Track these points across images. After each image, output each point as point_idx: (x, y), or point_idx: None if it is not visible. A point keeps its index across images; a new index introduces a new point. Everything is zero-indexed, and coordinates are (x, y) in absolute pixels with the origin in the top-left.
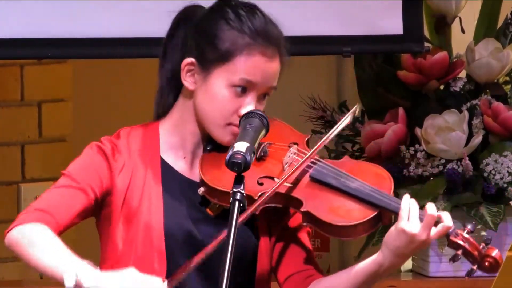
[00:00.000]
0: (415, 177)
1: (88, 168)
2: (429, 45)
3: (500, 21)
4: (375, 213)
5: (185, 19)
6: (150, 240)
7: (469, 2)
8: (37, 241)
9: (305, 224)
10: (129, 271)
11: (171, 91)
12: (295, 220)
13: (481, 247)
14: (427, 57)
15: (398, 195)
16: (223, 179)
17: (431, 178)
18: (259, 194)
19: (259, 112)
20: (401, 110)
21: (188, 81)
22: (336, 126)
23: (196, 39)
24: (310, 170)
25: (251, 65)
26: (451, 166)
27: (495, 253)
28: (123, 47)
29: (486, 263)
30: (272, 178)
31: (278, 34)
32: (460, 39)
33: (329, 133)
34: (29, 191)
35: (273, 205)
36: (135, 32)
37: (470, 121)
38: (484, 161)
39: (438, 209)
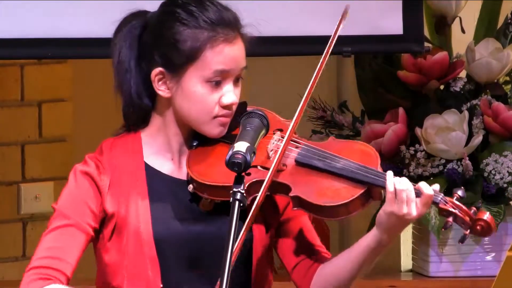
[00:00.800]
0: (415, 177)
1: (77, 200)
2: (429, 45)
3: (500, 21)
4: (363, 190)
5: (130, 30)
6: (141, 248)
7: (469, 2)
8: None
9: (295, 208)
10: None
11: (143, 100)
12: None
13: (472, 212)
14: (427, 57)
15: None
16: (211, 174)
17: (431, 178)
18: (248, 183)
19: (259, 112)
20: (401, 110)
21: (161, 89)
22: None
23: (158, 48)
24: (295, 155)
25: (219, 55)
26: (451, 166)
27: (486, 216)
28: None
29: (478, 227)
30: (255, 166)
31: (233, 16)
32: (460, 39)
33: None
34: (29, 191)
35: (267, 193)
36: None
37: (470, 121)
38: (484, 161)
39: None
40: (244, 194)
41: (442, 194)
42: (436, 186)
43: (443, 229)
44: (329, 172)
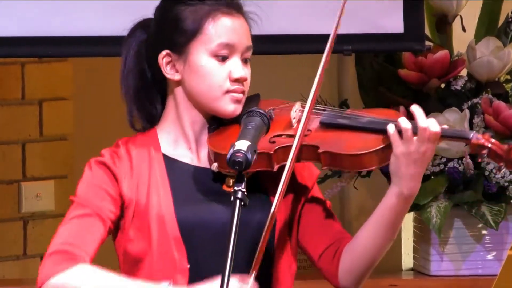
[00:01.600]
0: None
1: (94, 188)
2: (430, 43)
3: (501, 20)
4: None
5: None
6: (165, 230)
7: (470, 1)
8: (92, 282)
9: (325, 167)
10: (215, 283)
11: (155, 99)
12: (315, 193)
13: (504, 146)
14: (428, 55)
15: None
16: None
17: (432, 177)
18: (276, 148)
19: (260, 110)
20: (402, 109)
21: (170, 73)
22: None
23: (161, 32)
24: (319, 118)
25: (221, 27)
26: (452, 164)
27: None
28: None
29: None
30: (282, 135)
31: (237, 1)
32: (461, 38)
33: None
34: (29, 189)
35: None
36: None
37: (471, 120)
38: (485, 159)
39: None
40: (245, 193)
41: (474, 131)
42: (445, 126)
43: (479, 160)
44: (356, 128)
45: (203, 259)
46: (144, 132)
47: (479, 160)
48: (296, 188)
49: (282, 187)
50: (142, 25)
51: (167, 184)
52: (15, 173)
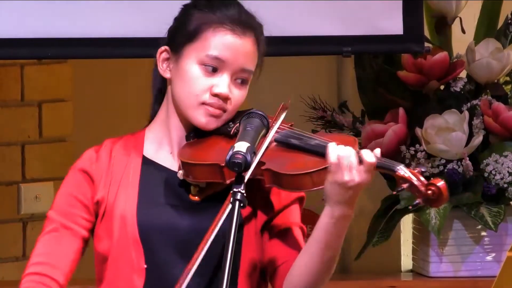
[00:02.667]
0: None
1: (68, 199)
2: (430, 45)
3: (501, 22)
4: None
5: None
6: (125, 231)
7: (469, 2)
8: None
9: (268, 185)
10: None
11: (157, 98)
12: (287, 215)
13: (426, 182)
14: (428, 57)
15: (398, 195)
16: (197, 155)
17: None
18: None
19: (260, 112)
20: (401, 110)
21: (163, 68)
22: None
23: (170, 29)
24: (276, 135)
25: (218, 41)
26: (451, 166)
27: (440, 183)
28: (123, 47)
29: (429, 192)
30: None
31: (252, 21)
32: (461, 39)
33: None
34: (29, 191)
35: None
36: (135, 32)
37: (471, 121)
38: (484, 161)
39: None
40: (245, 194)
41: (403, 165)
42: (378, 151)
43: (394, 192)
44: (303, 149)
45: (160, 261)
46: (134, 132)
47: (394, 192)
48: (267, 205)
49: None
50: None
51: (136, 185)
52: (15, 174)
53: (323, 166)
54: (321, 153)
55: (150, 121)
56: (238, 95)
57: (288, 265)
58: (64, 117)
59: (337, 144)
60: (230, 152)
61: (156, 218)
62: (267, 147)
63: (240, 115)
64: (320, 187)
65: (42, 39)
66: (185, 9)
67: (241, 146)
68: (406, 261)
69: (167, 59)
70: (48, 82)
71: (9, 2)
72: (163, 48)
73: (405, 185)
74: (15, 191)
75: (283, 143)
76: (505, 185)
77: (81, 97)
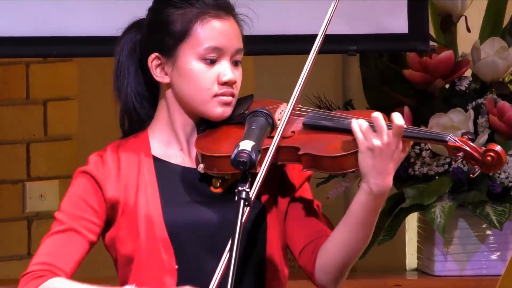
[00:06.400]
0: (420, 176)
1: (77, 201)
2: (435, 44)
3: (506, 20)
4: None
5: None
6: (153, 232)
7: (475, 1)
8: None
9: (305, 169)
10: None
11: (142, 105)
12: (303, 194)
13: (481, 149)
14: (433, 56)
15: (403, 193)
16: (219, 146)
17: (437, 177)
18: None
19: (264, 111)
20: (406, 109)
21: (160, 76)
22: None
23: (152, 34)
24: (303, 119)
25: (209, 31)
26: (456, 165)
27: (497, 147)
28: None
29: (488, 158)
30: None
31: (226, 2)
32: (466, 38)
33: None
34: (34, 189)
35: (280, 163)
36: None
37: (476, 120)
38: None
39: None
40: (250, 193)
41: (451, 134)
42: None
43: (453, 162)
44: (337, 130)
45: (191, 260)
46: (136, 134)
47: (453, 162)
48: (284, 187)
49: (256, 188)
50: (136, 25)
51: (155, 185)
52: (20, 173)
53: None
54: None
55: (141, 124)
56: (238, 76)
57: (316, 243)
58: (70, 115)
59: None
60: (236, 151)
61: (183, 217)
62: (294, 131)
63: (245, 103)
64: None
65: (47, 38)
66: (159, 11)
67: (246, 144)
68: (411, 260)
69: (160, 64)
70: (53, 80)
71: (15, 2)
72: (153, 55)
73: (460, 154)
74: (20, 189)
75: (313, 126)
76: (510, 184)
77: (86, 95)
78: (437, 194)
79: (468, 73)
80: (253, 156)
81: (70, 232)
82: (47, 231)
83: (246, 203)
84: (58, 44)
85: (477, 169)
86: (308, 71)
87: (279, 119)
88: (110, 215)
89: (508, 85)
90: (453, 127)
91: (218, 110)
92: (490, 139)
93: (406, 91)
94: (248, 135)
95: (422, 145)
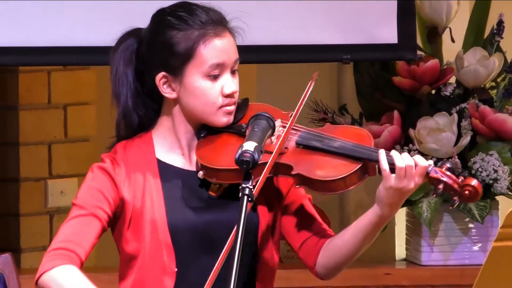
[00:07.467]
0: None
1: (94, 191)
2: (422, 53)
3: (487, 32)
4: (359, 165)
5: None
6: (157, 235)
7: (459, 14)
8: (66, 284)
9: (297, 186)
10: None
11: (148, 108)
12: (295, 191)
13: (460, 180)
14: (420, 64)
15: None
16: (218, 159)
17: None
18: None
19: (266, 114)
20: (396, 113)
21: (167, 92)
22: (304, 94)
23: (156, 56)
24: (295, 138)
25: (212, 50)
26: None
27: (474, 182)
28: None
29: (466, 192)
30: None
31: (219, 15)
32: (450, 48)
33: (301, 99)
34: (55, 186)
35: (269, 175)
36: None
37: (459, 123)
38: (472, 159)
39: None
40: (253, 190)
41: (433, 164)
42: (431, 161)
43: (433, 195)
44: (327, 151)
45: (190, 264)
46: (140, 135)
47: (433, 194)
48: (277, 184)
49: (255, 193)
50: (131, 34)
51: (160, 189)
52: (42, 171)
53: (354, 169)
54: (346, 155)
55: (136, 128)
56: (237, 84)
57: (314, 239)
58: (88, 119)
59: (364, 145)
60: (239, 151)
61: (185, 222)
62: (287, 148)
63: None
64: (351, 188)
65: (68, 48)
66: (160, 32)
67: (249, 145)
68: (400, 251)
69: (167, 82)
70: (73, 87)
71: (38, 15)
72: (160, 75)
73: (440, 186)
74: (42, 186)
75: (305, 146)
76: (491, 181)
77: (103, 100)
78: (424, 191)
79: (453, 80)
80: (256, 156)
81: (90, 217)
82: None
83: (249, 199)
84: (77, 53)
85: (456, 201)
86: (304, 96)
87: (274, 136)
88: (118, 211)
89: (489, 91)
90: (438, 129)
91: (223, 119)
92: (473, 140)
93: (396, 97)
94: (251, 137)
95: (410, 145)
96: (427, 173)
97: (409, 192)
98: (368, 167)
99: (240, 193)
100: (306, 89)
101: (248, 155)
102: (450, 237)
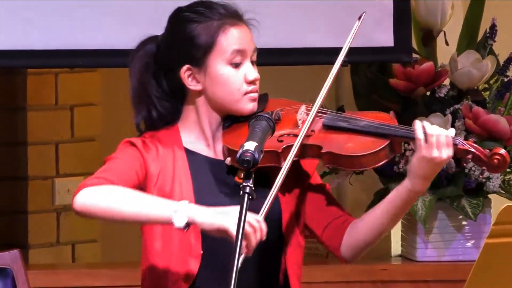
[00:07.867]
0: (404, 173)
1: (126, 157)
2: (417, 56)
3: (480, 35)
4: (388, 142)
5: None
6: None
7: (453, 18)
8: (120, 192)
9: (327, 166)
10: (233, 208)
11: (168, 104)
12: (316, 178)
13: (486, 151)
14: (415, 66)
15: (389, 189)
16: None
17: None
18: (283, 147)
19: (266, 115)
20: (392, 114)
21: (193, 84)
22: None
23: (178, 48)
24: (322, 119)
25: (232, 37)
26: None
27: (502, 151)
28: None
29: (495, 160)
30: (289, 134)
31: (235, 8)
32: (445, 51)
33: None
34: (62, 184)
35: (295, 158)
36: None
37: (453, 124)
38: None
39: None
40: (253, 188)
41: (460, 138)
42: (452, 131)
43: (464, 164)
44: (354, 131)
45: (216, 246)
46: (167, 127)
47: (463, 164)
48: (299, 175)
49: (280, 181)
50: (149, 41)
51: (188, 175)
52: (50, 170)
53: (383, 145)
54: (373, 133)
55: (168, 121)
56: (258, 73)
57: (339, 221)
58: (94, 119)
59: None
60: (240, 151)
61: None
62: (314, 130)
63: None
64: (379, 164)
65: (74, 50)
66: (180, 27)
67: (250, 145)
68: (396, 247)
69: (191, 74)
70: (79, 88)
71: (45, 19)
72: (184, 68)
73: (469, 156)
74: (50, 185)
75: (332, 127)
76: (484, 180)
77: (108, 101)
78: None
79: (447, 82)
80: (256, 155)
81: (126, 164)
82: (73, 222)
83: (250, 197)
84: (83, 56)
85: (485, 170)
86: (332, 79)
87: (300, 119)
88: (142, 183)
89: (482, 92)
90: None
91: (249, 106)
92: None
93: (392, 98)
94: (252, 137)
95: (406, 145)
96: (456, 145)
97: (440, 164)
98: (394, 143)
99: (241, 191)
100: (353, 31)
101: (249, 154)
102: (444, 234)
